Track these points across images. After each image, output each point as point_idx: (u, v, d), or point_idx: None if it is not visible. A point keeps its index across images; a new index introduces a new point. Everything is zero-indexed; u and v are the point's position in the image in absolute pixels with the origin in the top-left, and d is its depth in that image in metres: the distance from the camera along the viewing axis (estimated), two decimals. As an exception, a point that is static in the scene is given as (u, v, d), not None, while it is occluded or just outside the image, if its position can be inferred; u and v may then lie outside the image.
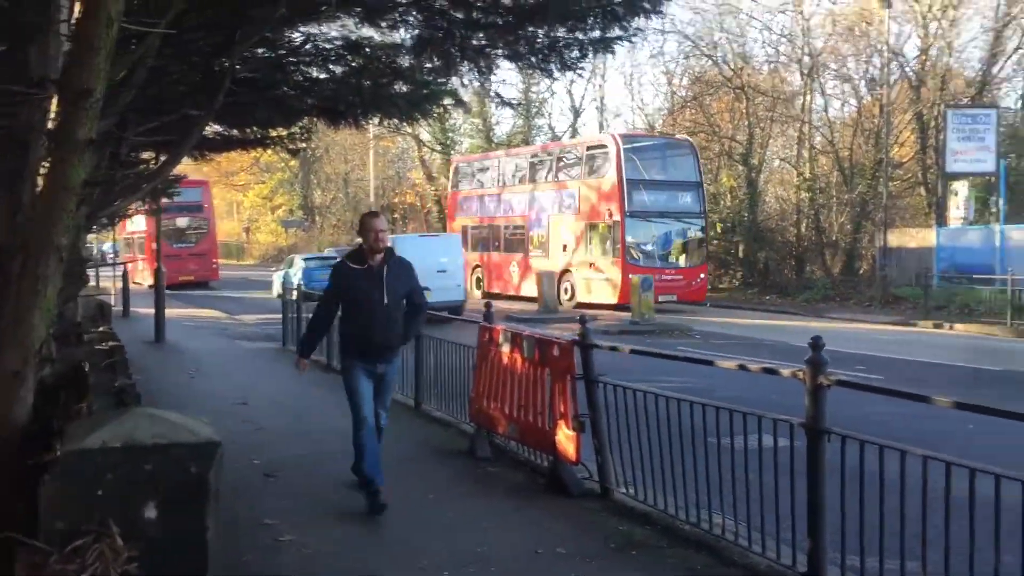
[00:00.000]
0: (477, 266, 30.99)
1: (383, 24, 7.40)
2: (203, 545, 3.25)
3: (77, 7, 3.87)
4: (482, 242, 31.39)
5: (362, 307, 6.10)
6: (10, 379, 3.50)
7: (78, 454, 3.13)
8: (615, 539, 5.47)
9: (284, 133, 10.63)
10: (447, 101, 9.34)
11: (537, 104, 48.28)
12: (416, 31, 7.36)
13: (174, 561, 3.20)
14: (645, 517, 5.81)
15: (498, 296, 28.34)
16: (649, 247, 25.57)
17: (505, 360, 7.37)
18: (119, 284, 24.07)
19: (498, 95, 11.07)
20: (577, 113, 48.73)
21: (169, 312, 18.03)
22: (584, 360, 6.47)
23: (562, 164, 28.20)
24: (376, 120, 10.87)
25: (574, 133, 45.85)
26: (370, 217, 6.31)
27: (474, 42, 7.28)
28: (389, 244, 6.32)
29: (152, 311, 17.34)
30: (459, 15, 6.97)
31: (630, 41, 7.26)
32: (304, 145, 12.89)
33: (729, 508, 5.27)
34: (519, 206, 29.44)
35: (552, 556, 5.19)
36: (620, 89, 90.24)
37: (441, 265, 21.69)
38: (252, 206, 72.54)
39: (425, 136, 49.12)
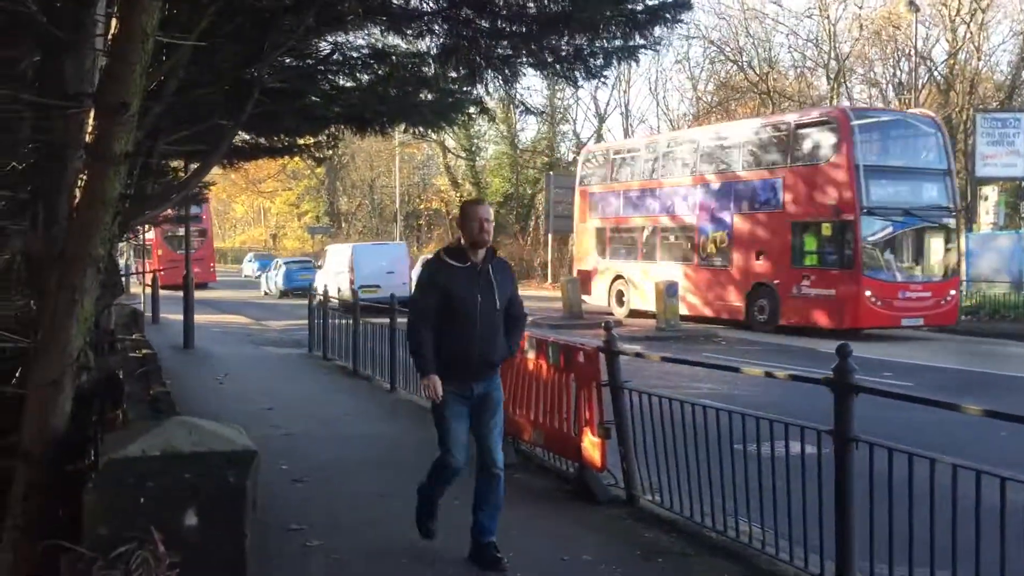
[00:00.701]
0: (618, 277, 25.15)
1: (409, 33, 7.47)
2: (242, 553, 3.30)
3: (113, 22, 3.95)
4: (625, 249, 25.45)
5: (461, 314, 4.99)
6: (49, 388, 3.57)
7: (120, 462, 3.19)
8: (641, 546, 5.47)
9: (311, 141, 10.75)
10: (472, 109, 9.40)
11: (562, 110, 48.43)
12: (442, 40, 7.41)
13: (214, 568, 3.25)
14: (671, 524, 5.81)
15: (647, 314, 22.66)
16: (890, 254, 19.47)
17: (530, 366, 7.40)
18: (147, 290, 24.34)
19: (522, 103, 11.13)
20: (602, 119, 48.81)
21: (197, 318, 18.23)
22: (610, 366, 6.48)
23: (756, 147, 21.89)
24: (402, 128, 10.97)
25: (599, 138, 45.89)
26: (474, 204, 5.21)
27: (499, 51, 7.32)
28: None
29: (180, 317, 17.53)
30: (484, 24, 7.01)
31: (653, 50, 7.27)
32: (330, 153, 13.03)
33: (756, 515, 5.26)
34: (683, 202, 23.21)
35: (578, 564, 5.20)
36: (645, 95, 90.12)
37: (391, 267, 27.21)
38: (279, 213, 73.29)
39: (450, 143, 49.39)
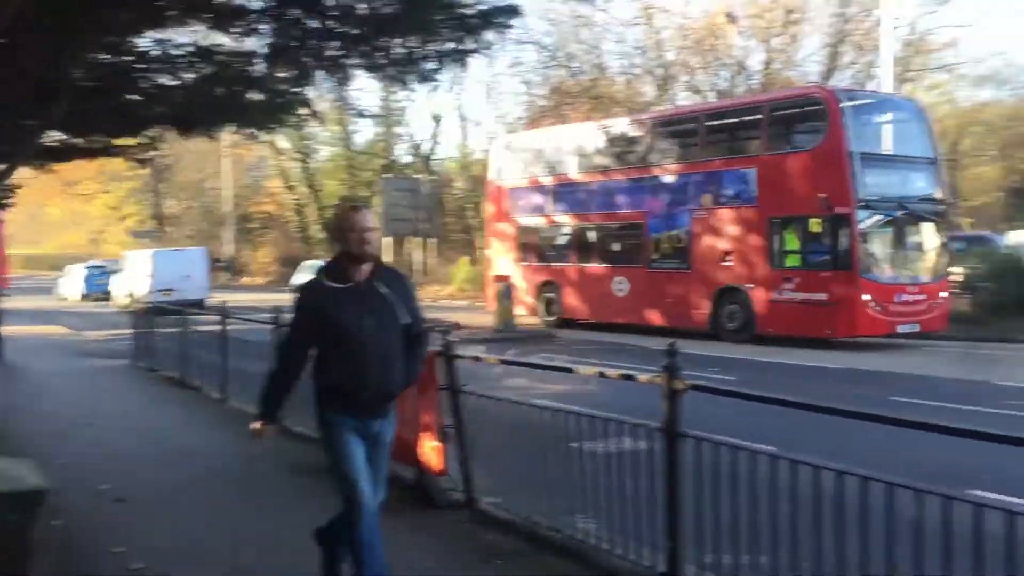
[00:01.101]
0: (547, 283, 22.57)
1: (235, 31, 7.24)
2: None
3: None
4: (555, 250, 22.79)
5: (350, 341, 4.24)
6: None
7: None
8: (480, 550, 5.48)
9: (131, 142, 10.24)
10: (302, 111, 9.21)
11: (398, 112, 48.11)
12: (270, 39, 7.22)
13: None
14: (510, 526, 5.84)
15: (582, 325, 21.59)
16: (885, 253, 17.55)
17: (368, 373, 7.27)
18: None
19: (352, 106, 10.92)
20: (438, 121, 48.80)
21: (8, 330, 17.00)
22: (448, 370, 6.45)
23: (719, 133, 20.13)
24: (231, 129, 10.62)
25: (435, 142, 45.85)
26: (352, 212, 4.38)
27: (329, 52, 7.20)
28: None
29: (-11, 330, 16.31)
30: (313, 24, 6.88)
31: (484, 54, 7.35)
32: (153, 154, 12.45)
33: (592, 513, 5.36)
34: (629, 197, 20.70)
35: (419, 570, 5.15)
36: (481, 98, 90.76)
37: (188, 272, 29.62)
38: (100, 216, 69.39)
39: (283, 144, 48.18)
